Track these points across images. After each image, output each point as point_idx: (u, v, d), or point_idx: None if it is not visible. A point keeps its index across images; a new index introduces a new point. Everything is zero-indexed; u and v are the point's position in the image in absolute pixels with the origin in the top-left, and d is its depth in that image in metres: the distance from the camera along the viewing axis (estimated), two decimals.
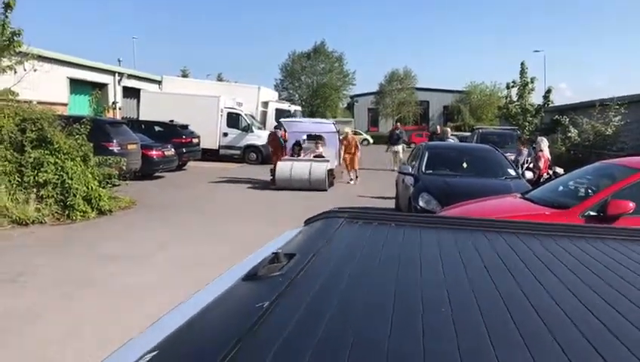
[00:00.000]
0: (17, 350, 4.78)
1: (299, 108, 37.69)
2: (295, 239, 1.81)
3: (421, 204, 8.67)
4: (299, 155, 17.65)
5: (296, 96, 64.77)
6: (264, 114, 29.54)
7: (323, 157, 17.06)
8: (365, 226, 1.98)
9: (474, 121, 53.48)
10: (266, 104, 30.33)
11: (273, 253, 1.44)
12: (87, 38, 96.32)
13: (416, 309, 1.15)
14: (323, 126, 19.52)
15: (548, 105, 31.64)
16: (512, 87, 32.31)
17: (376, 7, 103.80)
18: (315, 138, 18.61)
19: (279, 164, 16.32)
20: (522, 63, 31.89)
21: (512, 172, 9.73)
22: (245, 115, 26.37)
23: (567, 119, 25.36)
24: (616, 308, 1.21)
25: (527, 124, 30.56)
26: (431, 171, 9.77)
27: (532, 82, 31.65)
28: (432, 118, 62.50)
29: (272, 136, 18.36)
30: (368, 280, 1.39)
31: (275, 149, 17.91)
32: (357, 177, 18.39)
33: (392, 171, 19.45)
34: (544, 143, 12.62)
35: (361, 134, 55.51)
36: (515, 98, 32.09)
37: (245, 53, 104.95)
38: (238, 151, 25.73)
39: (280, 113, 28.63)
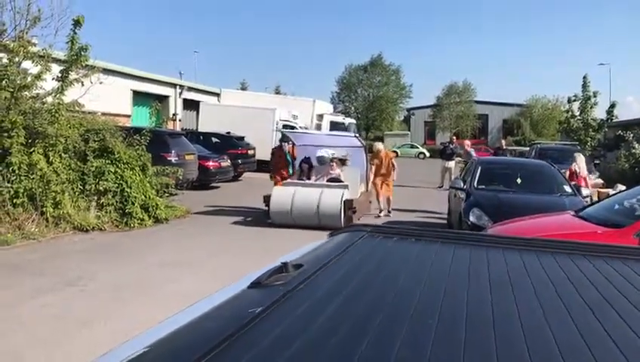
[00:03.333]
0: (74, 350, 5.01)
1: (353, 120, 37.80)
2: (310, 251, 1.86)
3: (472, 219, 8.56)
4: (308, 177, 12.86)
5: (352, 108, 64.99)
6: (318, 126, 29.80)
7: (340, 181, 12.18)
8: (384, 240, 2.01)
9: (534, 135, 52.16)
10: (320, 117, 30.59)
11: (281, 263, 1.51)
12: (151, 51, 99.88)
13: (401, 322, 1.18)
14: (343, 139, 14.49)
15: (611, 120, 30.56)
16: (574, 101, 31.39)
17: (434, 20, 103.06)
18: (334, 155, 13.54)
19: (275, 190, 11.72)
20: (585, 77, 30.99)
21: (567, 188, 9.47)
22: (300, 127, 26.69)
23: (632, 135, 24.39)
24: None
25: (589, 139, 29.59)
26: (483, 186, 9.64)
27: (595, 96, 30.67)
28: (490, 131, 61.39)
29: (277, 152, 13.62)
30: (367, 294, 1.42)
31: (278, 169, 13.30)
32: (390, 210, 13.49)
33: (438, 189, 18.82)
34: (579, 158, 11.94)
35: (417, 148, 55.16)
36: (577, 112, 31.16)
37: (304, 66, 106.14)
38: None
39: (334, 126, 28.83)
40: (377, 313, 1.23)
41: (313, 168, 13.17)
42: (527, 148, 26.91)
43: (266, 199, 11.72)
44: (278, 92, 53.49)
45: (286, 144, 13.64)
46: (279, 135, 25.49)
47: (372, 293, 1.42)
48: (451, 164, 20.30)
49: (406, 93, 67.60)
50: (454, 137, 21.98)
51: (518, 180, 9.91)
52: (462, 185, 9.97)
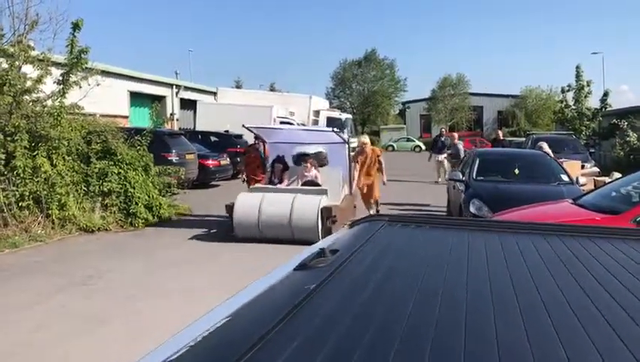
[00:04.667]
0: (89, 346, 5.16)
1: (350, 116, 37.96)
2: (339, 239, 2.03)
3: (472, 210, 8.71)
4: (280, 181, 11.01)
5: (348, 104, 65.12)
6: (315, 122, 29.93)
7: (317, 184, 10.58)
8: (403, 229, 2.18)
9: (529, 126, 52.41)
10: (317, 113, 30.72)
11: (320, 249, 1.68)
12: (145, 51, 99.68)
13: (434, 302, 1.33)
14: (322, 134, 12.09)
15: (605, 108, 30.80)
16: (568, 91, 31.64)
17: (425, 13, 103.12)
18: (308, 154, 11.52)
19: (240, 197, 9.92)
20: (578, 67, 31.26)
21: (564, 177, 9.64)
22: (297, 123, 26.80)
23: (626, 123, 24.63)
24: None
25: (583, 128, 29.84)
26: (482, 178, 9.78)
27: (588, 85, 30.91)
28: (486, 123, 61.63)
29: (250, 151, 12.21)
30: (399, 275, 1.59)
31: (251, 170, 11.83)
32: (378, 210, 11.68)
33: (435, 184, 18.62)
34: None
35: (413, 141, 55.36)
36: (571, 102, 31.39)
37: (297, 61, 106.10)
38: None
39: (331, 121, 28.95)
40: (411, 291, 1.40)
41: (287, 170, 11.26)
42: (524, 139, 27.13)
43: (229, 208, 9.99)
44: (272, 89, 53.49)
45: (260, 143, 12.00)
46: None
47: (403, 274, 1.58)
48: (442, 157, 19.82)
49: (401, 87, 67.78)
50: (442, 129, 21.77)
51: (516, 171, 10.06)
52: (461, 176, 10.12)
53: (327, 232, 8.75)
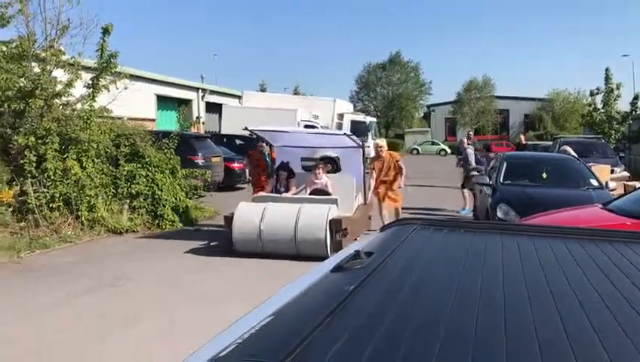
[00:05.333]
0: (119, 348, 5.23)
1: (374, 119, 37.86)
2: (373, 242, 2.05)
3: (499, 215, 8.61)
4: (287, 189, 10.14)
5: (372, 107, 65.05)
6: (339, 126, 29.94)
7: (327, 193, 9.74)
8: (436, 232, 2.18)
9: (556, 129, 51.70)
10: (341, 116, 30.71)
11: (355, 251, 1.69)
12: (172, 56, 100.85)
13: (472, 303, 1.34)
14: (333, 138, 11.35)
15: (636, 112, 30.23)
16: (597, 94, 31.12)
17: (450, 15, 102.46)
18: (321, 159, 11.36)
19: (240, 208, 9.02)
20: (607, 69, 30.75)
21: (594, 182, 9.48)
22: (321, 127, 26.82)
23: None
24: None
25: (612, 132, 29.32)
26: (509, 182, 9.67)
27: (618, 88, 30.37)
28: (512, 126, 60.97)
29: (255, 155, 11.34)
30: (434, 276, 1.61)
31: (256, 177, 11.09)
32: None
33: (460, 189, 18.27)
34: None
35: (438, 144, 55.01)
36: (599, 105, 30.89)
37: (321, 65, 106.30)
38: (314, 163, 26.14)
39: (355, 125, 28.94)
40: (449, 292, 1.41)
41: (293, 177, 10.34)
42: (551, 143, 26.73)
43: (228, 220, 9.01)
44: (297, 92, 53.68)
45: (264, 145, 11.20)
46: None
47: (439, 276, 1.60)
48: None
49: (426, 90, 67.56)
50: (471, 133, 21.29)
51: (544, 175, 9.94)
52: (488, 180, 10.03)
53: (336, 247, 7.94)
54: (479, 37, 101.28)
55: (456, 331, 1.16)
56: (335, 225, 8.55)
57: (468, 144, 14.59)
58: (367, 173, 10.63)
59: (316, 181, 9.92)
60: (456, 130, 61.48)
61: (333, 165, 10.91)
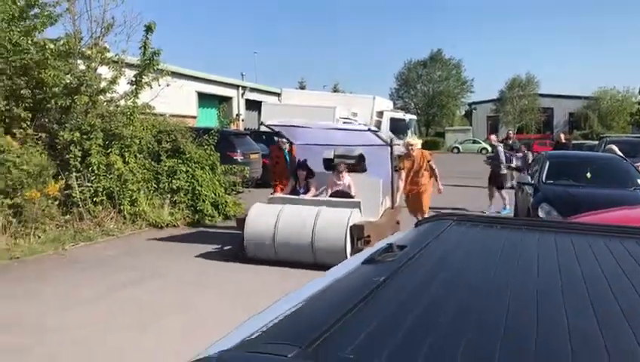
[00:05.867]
0: (159, 339, 5.33)
1: (414, 117, 37.48)
2: (407, 236, 2.05)
3: (541, 215, 8.42)
4: (307, 190, 9.36)
5: (412, 104, 64.57)
6: (378, 123, 29.73)
7: (349, 195, 8.93)
8: (472, 228, 2.15)
9: (603, 128, 50.31)
10: (380, 113, 30.47)
11: (387, 244, 1.68)
12: (213, 53, 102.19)
13: (504, 295, 1.33)
14: (359, 135, 9.55)
15: None
16: None
17: (494, 11, 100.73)
18: (342, 157, 10.56)
19: (253, 210, 8.42)
20: None
21: None
22: (359, 124, 26.64)
23: None
24: None
25: None
26: (552, 181, 9.45)
27: None
28: (556, 125, 59.59)
29: (275, 151, 10.71)
30: (466, 271, 1.59)
31: (276, 177, 10.40)
32: None
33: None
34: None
35: (479, 143, 54.20)
36: None
37: (361, 62, 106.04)
38: (352, 161, 26.08)
39: (395, 122, 28.73)
40: (481, 284, 1.39)
41: (312, 176, 9.49)
42: (597, 142, 26.02)
43: (240, 222, 8.44)
44: (336, 90, 53.75)
45: (284, 142, 10.41)
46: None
47: (472, 269, 1.58)
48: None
49: (467, 88, 66.73)
50: (511, 132, 20.52)
51: (588, 174, 9.67)
52: (529, 179, 9.82)
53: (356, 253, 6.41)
54: (523, 34, 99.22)
55: (485, 320, 1.15)
56: (356, 232, 7.84)
57: (501, 141, 14.24)
58: (397, 171, 9.79)
59: (338, 182, 9.18)
60: (499, 129, 60.43)
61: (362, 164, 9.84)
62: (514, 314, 1.17)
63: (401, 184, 9.61)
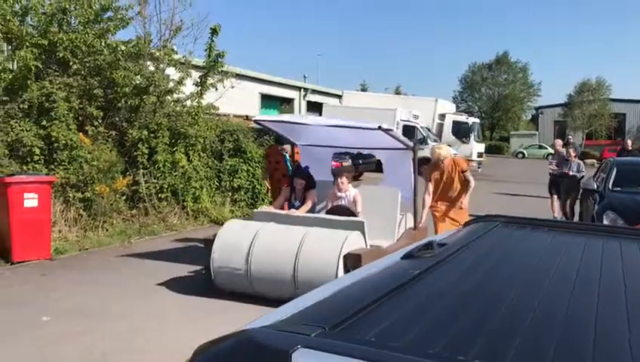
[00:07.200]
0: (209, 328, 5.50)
1: (477, 120, 36.83)
2: (449, 235, 2.08)
3: (606, 223, 8.15)
4: (303, 202, 7.46)
5: (476, 108, 63.38)
6: (440, 126, 29.44)
7: (352, 212, 7.01)
8: (518, 229, 2.16)
9: None
10: (442, 116, 30.17)
11: (428, 241, 1.73)
12: (276, 54, 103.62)
13: (537, 293, 1.36)
14: (365, 135, 7.49)
15: None
16: None
17: (562, 13, 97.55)
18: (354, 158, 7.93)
19: (225, 229, 6.65)
20: None
21: None
22: (421, 127, 26.45)
23: None
24: None
25: None
26: (619, 188, 9.11)
27: None
28: (629, 131, 56.90)
29: (272, 155, 9.43)
30: (501, 272, 1.61)
31: (275, 181, 9.15)
32: None
33: None
34: None
35: (545, 148, 52.54)
36: None
37: (424, 66, 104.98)
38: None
39: (457, 125, 28.36)
40: (515, 281, 1.42)
41: (313, 187, 7.60)
42: None
43: (209, 243, 6.58)
44: (398, 92, 53.39)
45: (283, 146, 9.04)
46: (400, 135, 24.64)
47: (505, 272, 1.61)
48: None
49: (534, 92, 64.85)
50: (571, 137, 19.16)
51: None
52: (595, 186, 9.50)
53: None
54: (593, 36, 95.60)
55: (509, 317, 1.18)
56: (352, 262, 5.69)
57: (562, 146, 13.62)
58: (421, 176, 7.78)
59: (339, 194, 7.31)
60: (567, 134, 58.34)
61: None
62: (538, 312, 1.20)
63: (428, 199, 7.62)
